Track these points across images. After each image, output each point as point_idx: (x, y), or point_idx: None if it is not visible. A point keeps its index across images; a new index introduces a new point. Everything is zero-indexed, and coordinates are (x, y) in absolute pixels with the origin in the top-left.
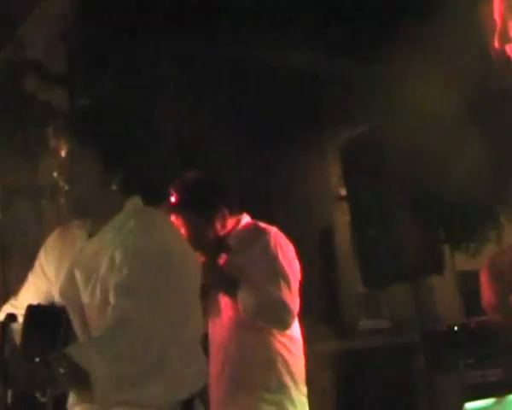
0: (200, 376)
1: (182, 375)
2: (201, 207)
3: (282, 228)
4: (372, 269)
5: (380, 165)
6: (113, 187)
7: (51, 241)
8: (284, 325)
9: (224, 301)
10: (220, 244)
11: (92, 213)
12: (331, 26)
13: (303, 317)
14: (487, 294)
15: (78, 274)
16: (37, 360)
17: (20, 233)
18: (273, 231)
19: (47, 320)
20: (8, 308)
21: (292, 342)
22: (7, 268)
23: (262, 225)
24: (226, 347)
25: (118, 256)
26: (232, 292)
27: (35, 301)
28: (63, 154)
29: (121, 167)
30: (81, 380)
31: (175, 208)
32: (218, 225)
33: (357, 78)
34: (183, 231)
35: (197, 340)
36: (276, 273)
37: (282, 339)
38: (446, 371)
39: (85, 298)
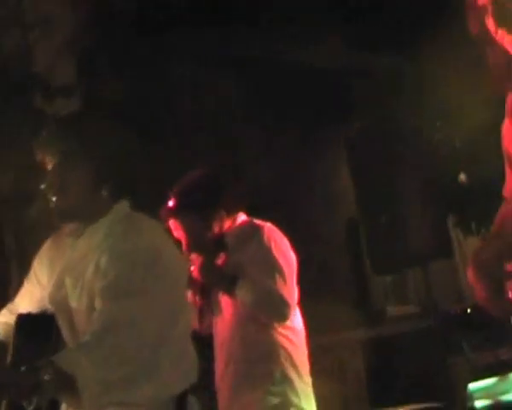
0: (190, 373)
1: (172, 373)
2: (198, 211)
3: (311, 219)
4: (380, 254)
5: (389, 151)
6: (104, 192)
7: (44, 248)
8: (282, 317)
9: (225, 299)
10: (218, 244)
11: (81, 219)
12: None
13: (334, 305)
14: (478, 290)
15: (67, 280)
16: (23, 368)
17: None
18: (266, 226)
19: (37, 328)
20: (4, 313)
21: (294, 333)
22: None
23: (256, 221)
24: (229, 344)
25: (103, 261)
26: (231, 290)
27: (29, 308)
28: (50, 165)
29: (112, 173)
30: (68, 386)
31: (172, 212)
32: (216, 227)
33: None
34: (181, 234)
35: (187, 338)
36: (271, 267)
37: (284, 331)
38: (460, 353)
39: (73, 303)
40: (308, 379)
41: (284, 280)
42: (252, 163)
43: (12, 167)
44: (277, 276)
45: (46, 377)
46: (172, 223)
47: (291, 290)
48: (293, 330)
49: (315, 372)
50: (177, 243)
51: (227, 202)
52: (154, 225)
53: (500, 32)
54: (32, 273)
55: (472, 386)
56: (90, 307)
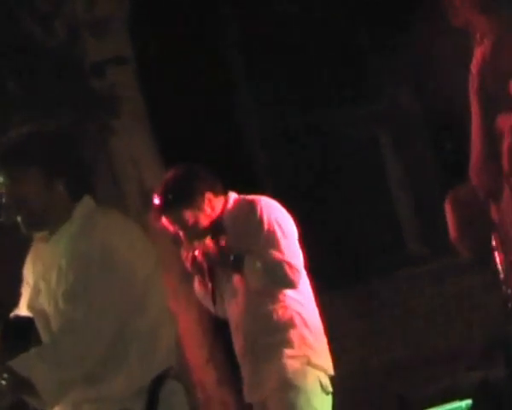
0: (165, 359)
1: (143, 363)
2: (184, 201)
3: None
4: None
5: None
6: (60, 188)
7: (30, 253)
8: (293, 283)
9: (236, 279)
10: (216, 227)
11: (47, 224)
12: None
13: None
14: (450, 225)
15: (42, 285)
16: None
17: None
18: (261, 199)
19: (17, 333)
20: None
21: (305, 297)
22: None
23: (249, 198)
24: (244, 322)
25: (63, 265)
26: (239, 268)
27: (27, 313)
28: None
29: (64, 175)
30: (26, 389)
31: (161, 211)
32: (207, 210)
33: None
34: (176, 228)
35: (158, 327)
36: (274, 237)
37: (296, 296)
38: None
39: (48, 308)
40: (324, 339)
41: (289, 247)
42: None
43: None
44: (281, 244)
45: (2, 382)
46: (165, 220)
47: (297, 256)
48: (304, 293)
49: None
50: (177, 237)
51: (208, 182)
52: (112, 220)
53: None
54: (24, 280)
55: None
56: (57, 308)
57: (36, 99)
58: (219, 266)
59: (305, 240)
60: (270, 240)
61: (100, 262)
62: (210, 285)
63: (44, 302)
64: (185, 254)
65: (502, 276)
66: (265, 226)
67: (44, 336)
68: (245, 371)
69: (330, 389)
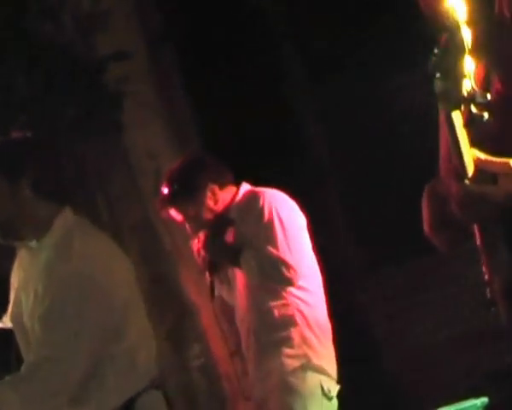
0: (139, 380)
1: (118, 386)
2: (186, 194)
3: None
4: None
5: None
6: (27, 191)
7: (16, 262)
8: (287, 281)
9: (238, 274)
10: (222, 219)
11: (23, 235)
12: None
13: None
14: (424, 220)
15: (23, 297)
16: None
17: None
18: (266, 192)
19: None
20: None
21: (309, 294)
22: None
23: (257, 189)
24: (247, 316)
25: (39, 290)
26: (236, 262)
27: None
28: None
29: (25, 178)
30: None
31: (167, 202)
32: (210, 203)
33: None
34: (181, 218)
35: (137, 349)
36: (272, 233)
37: (298, 293)
38: None
39: (27, 321)
40: (328, 340)
41: (287, 243)
42: None
43: None
44: (279, 239)
45: None
46: (171, 211)
47: (296, 254)
48: (308, 290)
49: None
50: (182, 226)
51: (213, 175)
52: (89, 243)
53: None
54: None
55: None
56: (33, 331)
57: (43, 97)
58: (218, 259)
59: (366, 211)
60: (268, 235)
61: (76, 289)
62: (209, 278)
63: (24, 316)
64: (193, 246)
65: (486, 277)
66: (265, 219)
67: (23, 349)
68: (250, 367)
69: (333, 394)
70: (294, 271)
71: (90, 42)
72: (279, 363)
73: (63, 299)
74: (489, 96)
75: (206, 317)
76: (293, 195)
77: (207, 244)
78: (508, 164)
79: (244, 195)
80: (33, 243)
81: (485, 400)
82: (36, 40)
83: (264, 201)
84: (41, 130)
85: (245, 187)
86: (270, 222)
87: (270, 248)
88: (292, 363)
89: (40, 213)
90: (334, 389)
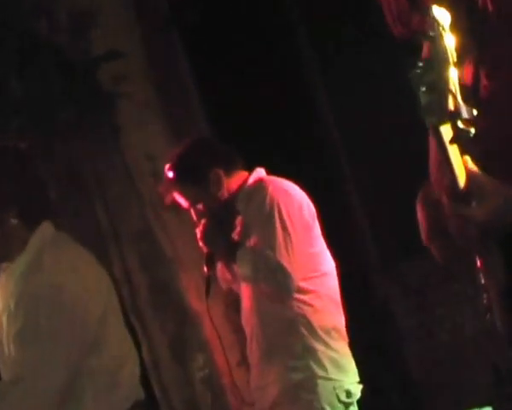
0: (124, 398)
1: (100, 403)
2: (190, 178)
3: None
4: None
5: None
6: (13, 221)
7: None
8: (286, 289)
9: None
10: (227, 208)
11: (5, 257)
12: None
13: None
14: (420, 227)
15: (4, 318)
16: None
17: None
18: (272, 183)
19: None
20: None
21: (317, 297)
22: None
23: (266, 178)
24: (250, 319)
25: (12, 307)
26: (231, 259)
27: None
28: None
29: (13, 203)
30: None
31: (170, 184)
32: (214, 189)
33: None
34: (185, 203)
35: (118, 366)
36: (272, 233)
37: (304, 297)
38: None
39: (4, 343)
40: (337, 343)
41: (286, 247)
42: None
43: None
44: (277, 240)
45: None
46: (176, 194)
47: (296, 259)
48: (316, 293)
49: None
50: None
51: (217, 159)
52: (62, 255)
53: None
54: None
55: None
56: (9, 351)
57: (37, 98)
58: (215, 252)
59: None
60: (268, 236)
61: (48, 302)
62: (206, 272)
63: (4, 339)
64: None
65: (483, 282)
66: (267, 218)
67: (2, 371)
68: (252, 371)
69: (351, 399)
70: (291, 278)
71: (84, 40)
72: (280, 375)
73: (36, 314)
74: (475, 112)
75: (209, 325)
76: (308, 191)
77: (204, 234)
78: (499, 184)
79: (254, 182)
80: (8, 263)
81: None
82: (30, 39)
83: (267, 192)
84: (35, 133)
85: (258, 173)
86: (272, 220)
87: (267, 249)
88: (294, 376)
89: (23, 236)
90: (355, 391)
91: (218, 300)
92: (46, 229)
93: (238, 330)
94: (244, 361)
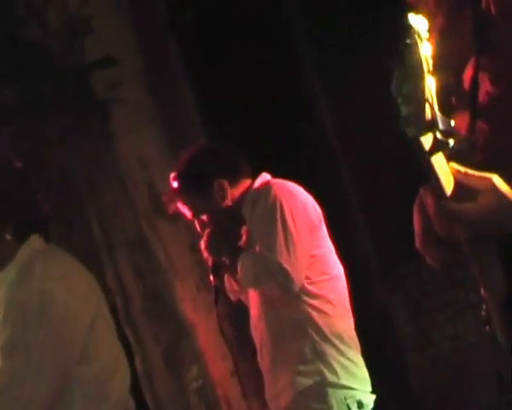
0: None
1: None
2: (194, 189)
3: None
4: None
5: None
6: (8, 237)
7: None
8: (288, 290)
9: None
10: (232, 215)
11: None
12: None
13: None
14: (415, 231)
15: None
16: None
17: None
18: (275, 186)
19: None
20: None
21: (327, 301)
22: None
23: (271, 182)
24: (259, 326)
25: (1, 315)
26: (235, 263)
27: None
28: None
29: (10, 220)
30: None
31: (175, 194)
32: (218, 200)
33: None
34: (189, 213)
35: (108, 376)
36: (274, 236)
37: (313, 301)
38: None
39: None
40: (350, 350)
41: (287, 246)
42: None
43: None
44: (280, 244)
45: None
46: (180, 204)
47: (298, 260)
48: (325, 298)
49: None
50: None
51: (222, 169)
52: (51, 264)
53: None
54: None
55: None
56: None
57: (29, 104)
58: (218, 260)
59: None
60: (269, 238)
61: (37, 310)
62: (213, 281)
63: None
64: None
65: (482, 292)
66: (269, 221)
67: None
68: (265, 380)
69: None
70: (292, 280)
71: (78, 45)
72: (289, 380)
73: (23, 323)
74: (453, 123)
75: (203, 335)
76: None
77: (209, 244)
78: (489, 180)
79: (260, 185)
80: None
81: None
82: (23, 44)
83: (270, 195)
84: (28, 140)
85: (263, 178)
86: (274, 222)
87: (268, 253)
88: (305, 381)
89: (12, 248)
90: (367, 401)
91: (212, 315)
92: (35, 242)
93: (231, 341)
94: (237, 371)
